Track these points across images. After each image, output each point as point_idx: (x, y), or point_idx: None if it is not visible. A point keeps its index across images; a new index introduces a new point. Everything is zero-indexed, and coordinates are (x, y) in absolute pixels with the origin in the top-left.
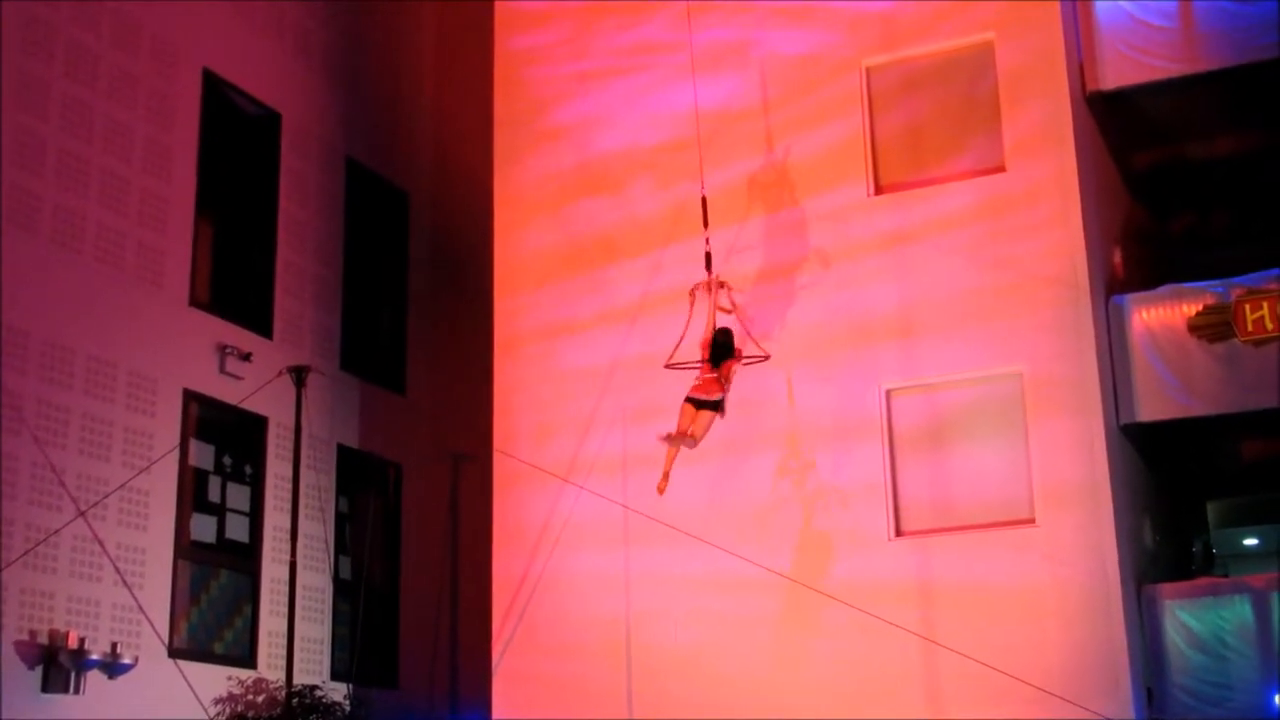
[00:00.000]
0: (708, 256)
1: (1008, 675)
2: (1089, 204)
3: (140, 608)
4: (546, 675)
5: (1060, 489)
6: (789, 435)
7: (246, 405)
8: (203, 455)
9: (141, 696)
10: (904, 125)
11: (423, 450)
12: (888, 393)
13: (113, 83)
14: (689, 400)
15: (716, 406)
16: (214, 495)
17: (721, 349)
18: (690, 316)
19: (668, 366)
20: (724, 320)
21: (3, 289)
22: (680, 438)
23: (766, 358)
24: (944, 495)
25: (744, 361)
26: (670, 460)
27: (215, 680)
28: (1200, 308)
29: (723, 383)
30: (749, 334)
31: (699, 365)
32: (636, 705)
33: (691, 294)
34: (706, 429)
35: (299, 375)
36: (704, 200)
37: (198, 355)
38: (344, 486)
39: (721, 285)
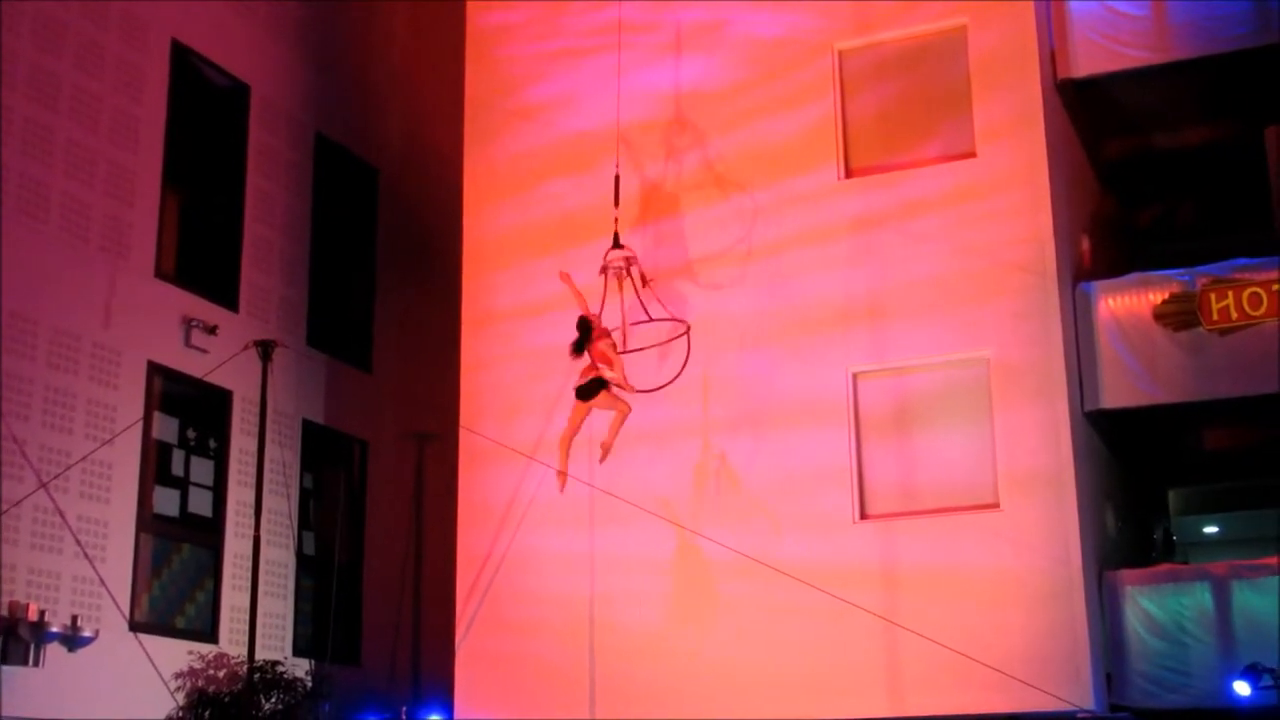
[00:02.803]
0: (615, 236)
1: (969, 659)
2: (1058, 191)
3: (101, 581)
4: (509, 654)
5: (1024, 474)
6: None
7: (211, 379)
8: (166, 428)
9: (102, 670)
10: (875, 109)
11: (388, 427)
12: (854, 376)
13: (80, 53)
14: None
15: (600, 386)
16: (177, 469)
17: (580, 339)
18: (605, 294)
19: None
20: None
21: None
22: (573, 433)
23: (686, 326)
24: (909, 479)
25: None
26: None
27: (176, 655)
28: (1166, 296)
29: (597, 365)
30: (661, 303)
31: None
32: (599, 685)
33: (603, 272)
34: (611, 405)
35: (265, 349)
36: (617, 179)
37: (163, 328)
38: (309, 462)
39: (629, 265)
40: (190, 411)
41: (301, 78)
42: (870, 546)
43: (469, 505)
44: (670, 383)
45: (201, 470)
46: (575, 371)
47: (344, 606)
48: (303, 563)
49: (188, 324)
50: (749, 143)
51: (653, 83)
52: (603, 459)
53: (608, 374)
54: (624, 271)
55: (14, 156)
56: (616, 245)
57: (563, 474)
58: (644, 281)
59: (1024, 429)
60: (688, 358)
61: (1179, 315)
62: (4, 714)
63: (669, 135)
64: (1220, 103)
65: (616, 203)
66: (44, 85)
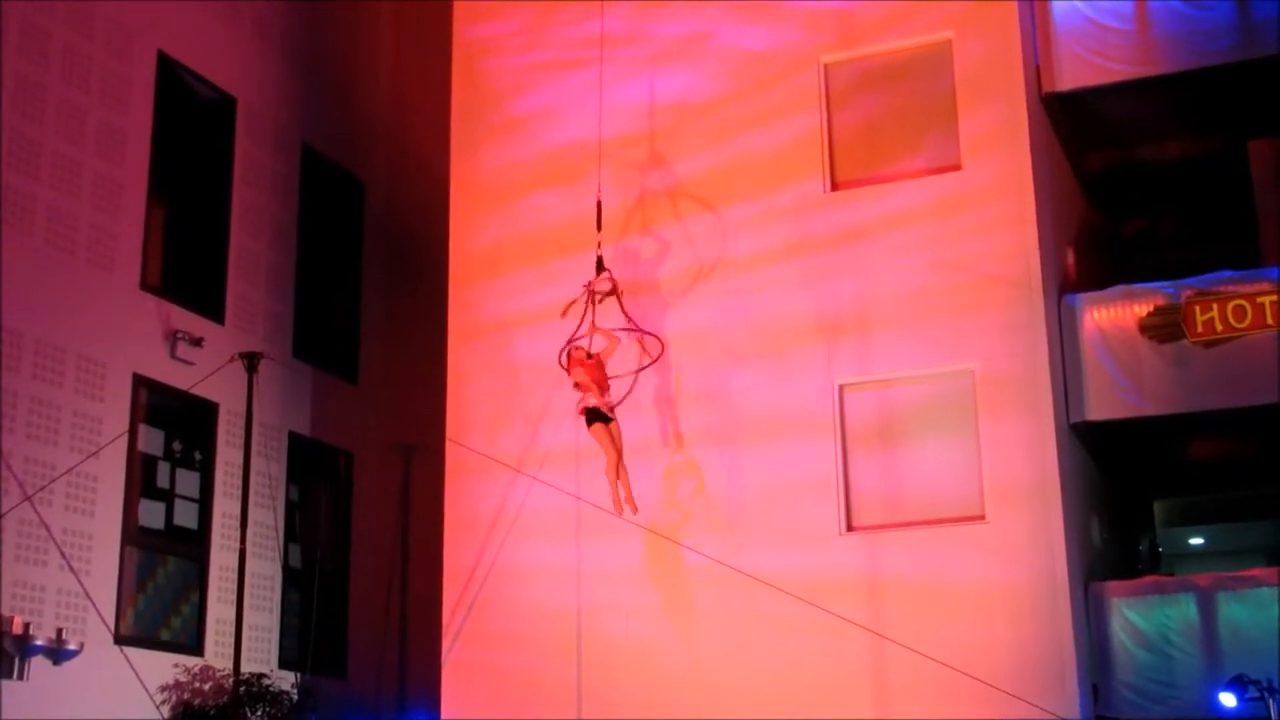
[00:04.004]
0: (599, 260)
1: (956, 671)
2: (1043, 204)
3: (86, 593)
4: (496, 666)
5: (1010, 486)
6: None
7: (197, 391)
8: (152, 440)
9: (87, 683)
10: (861, 122)
11: (374, 439)
12: (841, 388)
13: (66, 64)
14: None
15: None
16: (163, 481)
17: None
18: (584, 313)
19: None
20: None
21: None
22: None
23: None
24: (895, 491)
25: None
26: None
27: (162, 668)
28: (1151, 308)
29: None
30: (635, 324)
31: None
32: (586, 697)
33: (589, 291)
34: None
35: (251, 361)
36: (599, 205)
37: (148, 339)
38: (295, 474)
39: (612, 292)
40: (176, 424)
41: (288, 90)
42: (857, 558)
43: (455, 517)
44: (619, 402)
45: (187, 483)
46: (561, 383)
47: (330, 619)
48: (288, 575)
49: (173, 336)
50: (735, 155)
51: (638, 95)
52: (635, 509)
53: (593, 401)
54: (606, 296)
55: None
56: (600, 269)
57: (618, 502)
58: (619, 302)
59: (1010, 441)
60: (634, 382)
61: (1164, 327)
62: None
63: (654, 148)
64: (1204, 116)
65: (599, 226)
66: (30, 97)
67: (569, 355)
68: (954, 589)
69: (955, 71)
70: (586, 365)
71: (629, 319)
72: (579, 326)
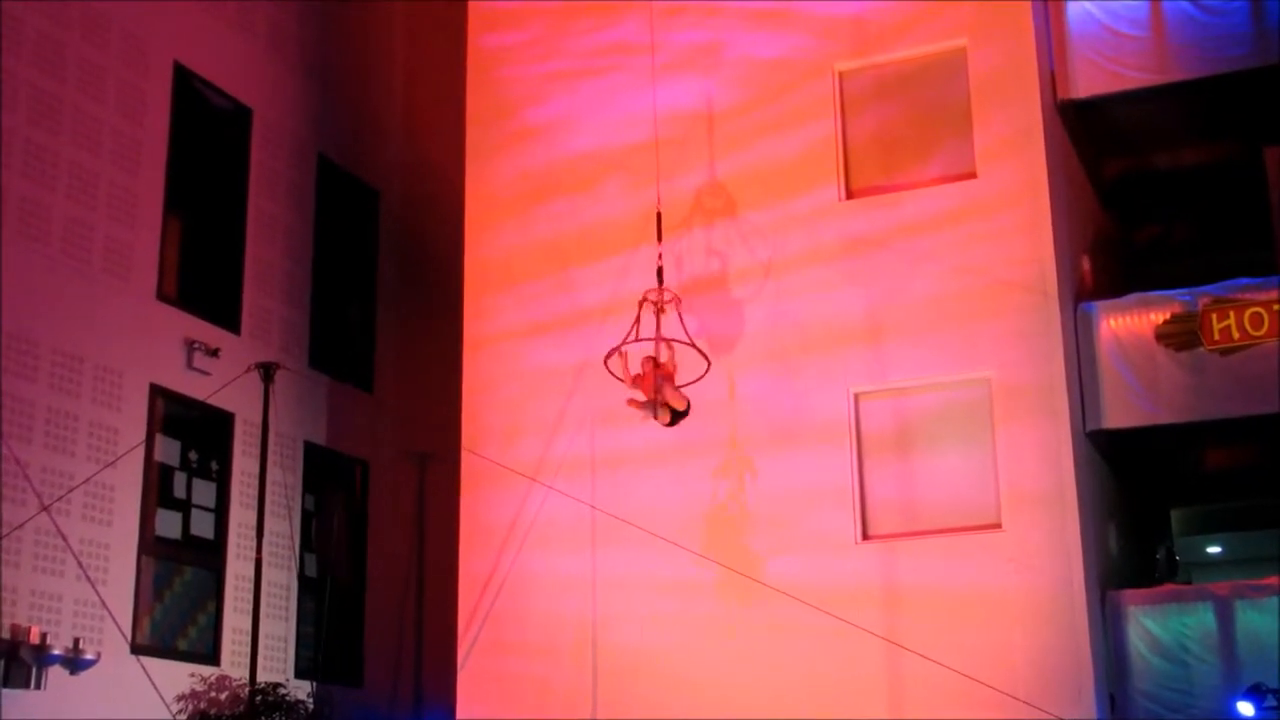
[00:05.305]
0: (659, 272)
1: (972, 679)
2: (1059, 211)
3: (103, 603)
4: (512, 675)
5: (1026, 494)
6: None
7: (213, 401)
8: (169, 451)
9: (103, 693)
10: (875, 130)
11: (390, 448)
12: (856, 396)
13: (82, 75)
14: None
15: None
16: (179, 491)
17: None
18: (637, 323)
19: (608, 362)
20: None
21: None
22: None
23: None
24: (911, 499)
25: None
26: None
27: (178, 677)
28: (1167, 316)
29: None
30: (692, 344)
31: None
32: (601, 706)
33: (651, 304)
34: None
35: (267, 371)
36: (659, 216)
37: (165, 350)
38: (310, 484)
39: (673, 299)
40: (192, 434)
41: (303, 100)
42: (872, 567)
43: (471, 526)
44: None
45: (203, 492)
46: (576, 392)
47: (346, 628)
48: (304, 584)
49: (190, 346)
50: (749, 163)
51: (652, 104)
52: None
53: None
54: (661, 307)
55: (16, 178)
56: (660, 281)
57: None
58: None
59: (1026, 449)
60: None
61: (1180, 335)
62: None
63: (668, 156)
64: (1219, 122)
65: (660, 238)
66: (46, 108)
67: (642, 362)
68: (971, 598)
69: (970, 79)
70: (654, 373)
71: (687, 335)
72: (632, 334)
